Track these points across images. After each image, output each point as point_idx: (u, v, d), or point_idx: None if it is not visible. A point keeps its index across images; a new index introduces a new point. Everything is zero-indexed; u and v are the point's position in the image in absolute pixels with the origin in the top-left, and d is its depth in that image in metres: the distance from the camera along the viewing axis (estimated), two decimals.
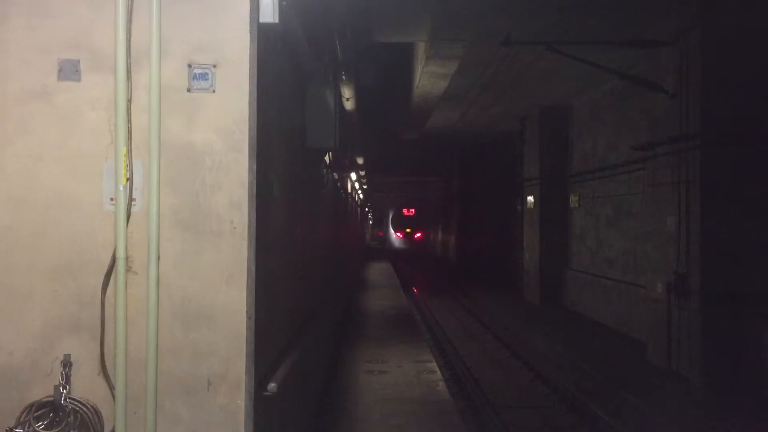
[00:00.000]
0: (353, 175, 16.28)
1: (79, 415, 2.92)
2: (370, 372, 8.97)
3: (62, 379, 2.93)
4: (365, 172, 19.47)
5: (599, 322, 14.02)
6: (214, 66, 3.01)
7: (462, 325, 16.50)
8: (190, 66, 3.01)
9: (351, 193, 17.70)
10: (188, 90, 3.01)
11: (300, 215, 5.34)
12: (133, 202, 2.99)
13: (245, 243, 3.01)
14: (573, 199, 16.37)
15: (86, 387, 2.98)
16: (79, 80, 3.01)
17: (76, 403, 2.93)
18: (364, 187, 23.90)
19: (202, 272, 3.00)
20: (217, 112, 3.02)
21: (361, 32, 9.89)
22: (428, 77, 13.58)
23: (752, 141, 8.65)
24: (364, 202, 32.13)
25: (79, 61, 3.00)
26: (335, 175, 9.83)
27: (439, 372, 9.06)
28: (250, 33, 3.05)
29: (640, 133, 11.22)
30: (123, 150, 2.95)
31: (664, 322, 9.59)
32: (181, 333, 2.99)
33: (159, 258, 2.97)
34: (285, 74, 4.45)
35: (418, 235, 42.57)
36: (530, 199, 17.96)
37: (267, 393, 3.51)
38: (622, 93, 13.05)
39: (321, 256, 7.69)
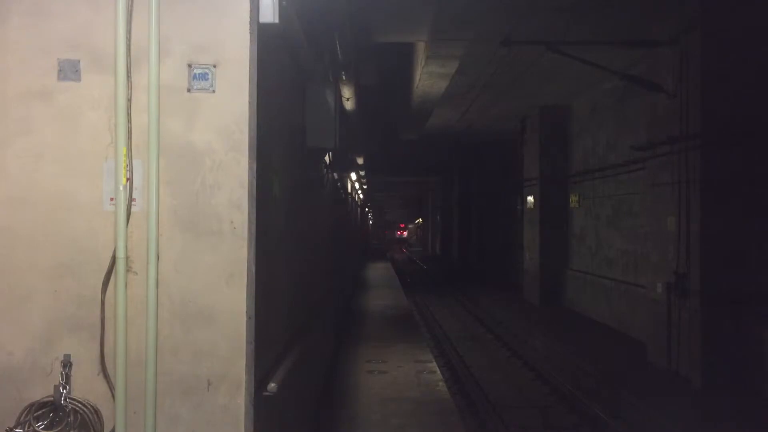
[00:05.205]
0: (353, 175, 16.28)
1: (79, 415, 2.92)
2: (371, 372, 8.97)
3: (62, 379, 2.93)
4: (365, 172, 19.47)
5: (599, 322, 14.02)
6: (214, 66, 3.01)
7: (462, 324, 16.51)
8: (190, 66, 3.01)
9: (351, 193, 17.70)
10: (188, 90, 3.01)
11: (300, 215, 5.34)
12: (133, 202, 2.99)
13: (245, 243, 3.01)
14: (573, 199, 16.37)
15: (86, 387, 2.98)
16: (79, 80, 3.01)
17: (76, 403, 2.93)
18: (364, 187, 23.90)
19: (202, 272, 3.00)
20: (217, 112, 3.02)
21: (361, 32, 9.89)
22: (428, 77, 13.57)
23: (753, 141, 8.65)
24: (364, 202, 32.13)
25: (79, 61, 3.00)
26: (335, 175, 9.83)
27: (439, 372, 9.06)
28: (250, 33, 3.05)
29: (640, 132, 11.22)
30: (123, 150, 2.95)
31: (664, 322, 9.59)
32: (181, 333, 2.99)
33: (159, 258, 2.97)
34: (285, 74, 4.45)
35: (404, 234, 79.41)
36: (530, 198, 17.95)
37: (267, 393, 3.51)
38: (622, 93, 13.04)
39: (321, 255, 7.69)
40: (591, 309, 14.78)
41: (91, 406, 2.95)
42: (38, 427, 2.91)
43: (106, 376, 2.97)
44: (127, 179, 2.96)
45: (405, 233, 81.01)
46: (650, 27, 9.81)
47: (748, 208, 8.72)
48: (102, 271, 2.98)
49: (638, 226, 12.19)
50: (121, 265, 2.95)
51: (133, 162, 2.98)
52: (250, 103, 3.04)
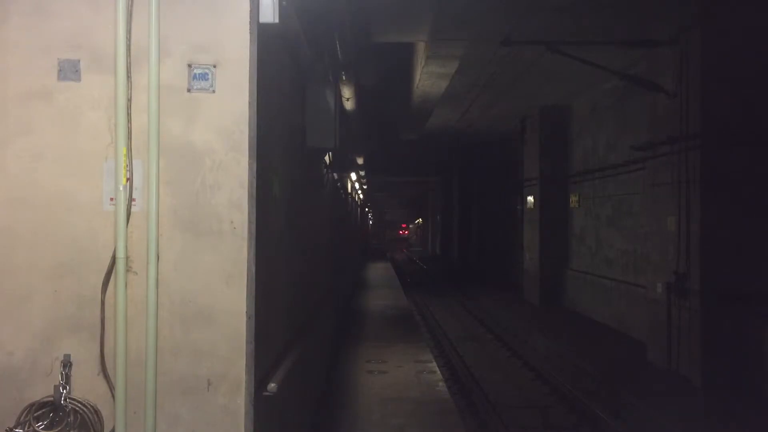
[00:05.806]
0: (353, 175, 16.28)
1: (79, 415, 2.92)
2: (371, 372, 8.97)
3: (62, 379, 2.93)
4: (365, 172, 19.47)
5: (599, 322, 14.02)
6: (214, 66, 3.02)
7: (462, 324, 16.50)
8: (189, 66, 3.01)
9: (351, 193, 17.70)
10: (188, 90, 3.02)
11: (300, 215, 5.34)
12: (133, 202, 2.99)
13: (245, 243, 3.02)
14: (573, 199, 16.36)
15: (86, 387, 2.98)
16: (79, 80, 3.01)
17: (76, 403, 2.93)
18: (364, 187, 23.89)
19: (202, 272, 3.00)
20: (217, 112, 3.02)
21: (361, 32, 9.89)
22: (428, 77, 13.57)
23: (752, 141, 8.65)
24: (364, 202, 32.13)
25: (79, 61, 3.00)
26: (335, 175, 9.83)
27: (438, 372, 9.06)
28: (250, 33, 3.05)
29: (640, 132, 11.22)
30: (123, 150, 2.95)
31: (664, 322, 9.59)
32: (181, 333, 2.99)
33: (159, 258, 2.97)
34: (285, 74, 4.45)
35: (406, 233, 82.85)
36: (530, 199, 17.95)
37: (267, 393, 3.51)
38: (622, 93, 13.04)
39: (321, 255, 7.70)
40: (591, 309, 14.78)
41: (91, 406, 2.95)
42: (38, 427, 2.91)
43: (106, 376, 2.97)
44: (127, 179, 2.96)
45: (406, 232, 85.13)
46: (650, 27, 9.80)
47: (748, 208, 8.72)
48: (102, 271, 2.98)
49: (638, 226, 12.19)
50: (121, 265, 2.95)
51: (133, 162, 2.98)
52: (250, 103, 3.04)
